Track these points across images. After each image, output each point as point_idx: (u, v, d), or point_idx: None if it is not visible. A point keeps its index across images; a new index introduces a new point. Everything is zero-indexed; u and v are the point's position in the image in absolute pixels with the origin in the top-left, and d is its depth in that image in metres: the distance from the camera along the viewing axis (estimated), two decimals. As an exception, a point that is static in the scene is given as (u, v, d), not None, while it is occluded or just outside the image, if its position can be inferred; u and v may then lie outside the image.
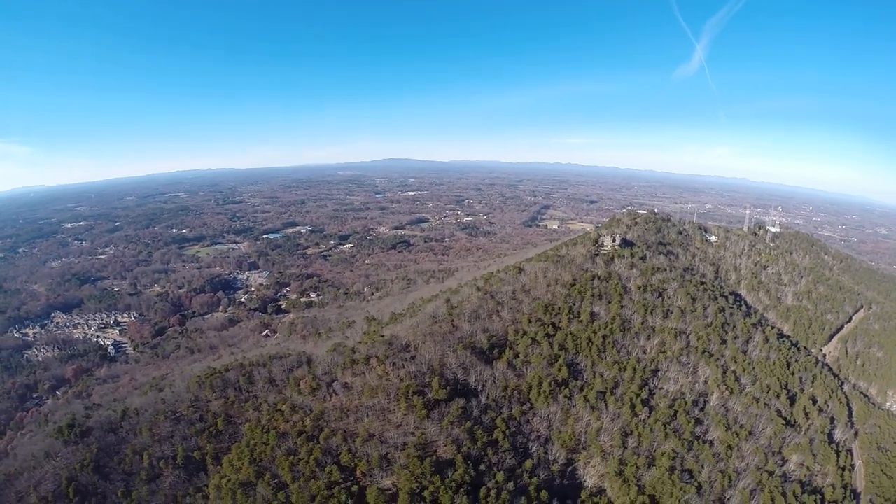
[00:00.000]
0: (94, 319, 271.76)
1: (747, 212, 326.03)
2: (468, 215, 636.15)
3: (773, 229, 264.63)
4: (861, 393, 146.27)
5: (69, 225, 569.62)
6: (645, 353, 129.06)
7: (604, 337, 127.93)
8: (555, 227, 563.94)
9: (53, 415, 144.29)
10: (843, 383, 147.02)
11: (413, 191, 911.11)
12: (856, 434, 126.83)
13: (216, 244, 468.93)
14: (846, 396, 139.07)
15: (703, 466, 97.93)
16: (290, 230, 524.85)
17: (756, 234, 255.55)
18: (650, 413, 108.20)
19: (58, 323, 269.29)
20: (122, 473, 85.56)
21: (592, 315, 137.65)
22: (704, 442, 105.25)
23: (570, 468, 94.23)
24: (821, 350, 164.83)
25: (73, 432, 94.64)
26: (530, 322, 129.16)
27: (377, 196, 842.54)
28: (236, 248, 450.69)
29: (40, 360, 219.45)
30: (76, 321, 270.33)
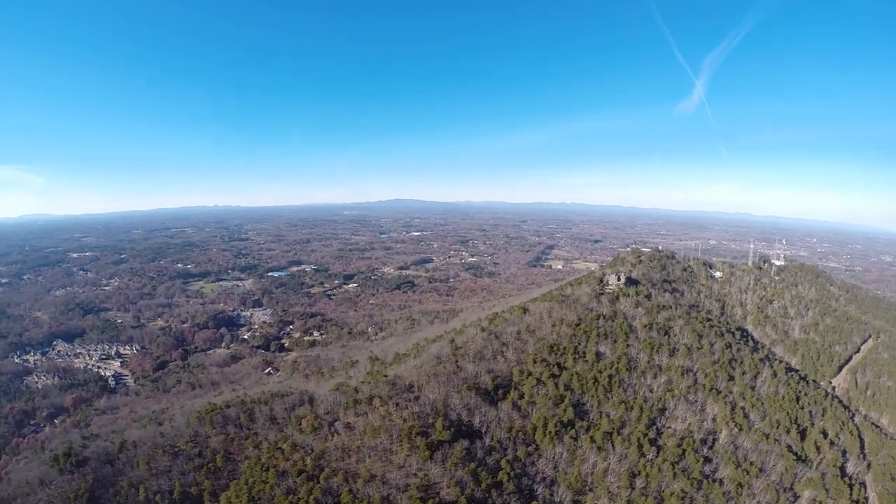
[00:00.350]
0: (96, 350, 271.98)
1: (751, 246, 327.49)
2: (473, 256, 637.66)
3: (777, 263, 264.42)
4: (872, 424, 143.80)
5: (75, 255, 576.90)
6: (652, 391, 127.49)
7: (610, 376, 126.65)
8: (559, 266, 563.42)
9: (50, 442, 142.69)
10: (853, 415, 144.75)
11: (418, 231, 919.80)
12: (868, 466, 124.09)
13: (221, 280, 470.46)
14: (857, 428, 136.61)
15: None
16: (294, 269, 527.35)
17: (761, 268, 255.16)
18: (658, 453, 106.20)
19: (59, 351, 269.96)
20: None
21: (598, 354, 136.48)
22: (714, 481, 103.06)
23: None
24: (830, 382, 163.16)
25: (70, 461, 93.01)
26: (535, 362, 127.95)
27: (382, 236, 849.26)
28: (241, 285, 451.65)
29: (40, 387, 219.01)
30: (77, 350, 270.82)
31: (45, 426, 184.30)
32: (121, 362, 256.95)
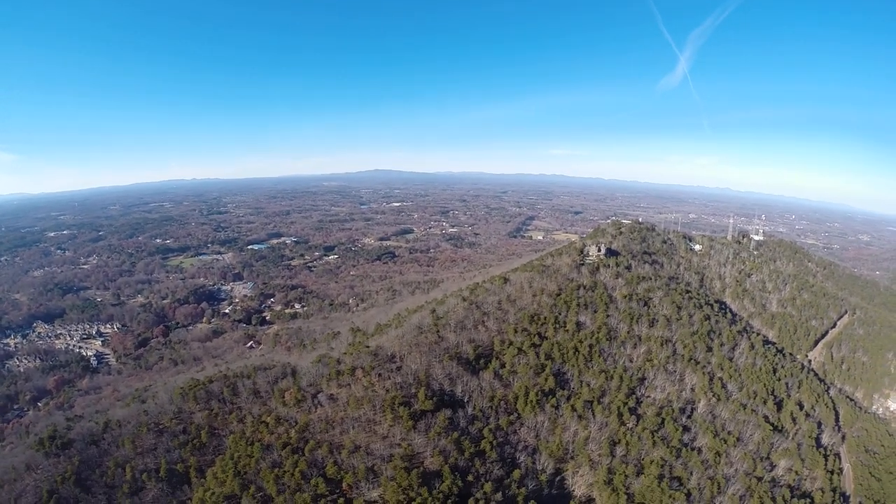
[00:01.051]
0: (77, 330, 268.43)
1: (731, 221, 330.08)
2: (453, 226, 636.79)
3: (756, 238, 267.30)
4: (847, 397, 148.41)
5: (52, 234, 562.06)
6: (631, 361, 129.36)
7: (590, 346, 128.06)
8: (540, 237, 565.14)
9: (34, 426, 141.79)
10: (829, 388, 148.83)
11: (398, 202, 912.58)
12: (843, 438, 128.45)
13: (200, 255, 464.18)
14: (832, 401, 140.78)
15: (691, 473, 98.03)
16: (274, 241, 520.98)
17: (740, 242, 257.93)
18: (638, 421, 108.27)
19: (39, 333, 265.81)
20: (104, 486, 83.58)
21: (578, 324, 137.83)
22: (693, 449, 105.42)
23: (558, 478, 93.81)
24: (806, 356, 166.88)
25: (55, 444, 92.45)
26: (516, 332, 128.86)
27: (362, 207, 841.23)
28: (221, 258, 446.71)
29: (22, 370, 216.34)
30: (58, 331, 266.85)
31: (28, 410, 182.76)
32: (102, 341, 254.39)
